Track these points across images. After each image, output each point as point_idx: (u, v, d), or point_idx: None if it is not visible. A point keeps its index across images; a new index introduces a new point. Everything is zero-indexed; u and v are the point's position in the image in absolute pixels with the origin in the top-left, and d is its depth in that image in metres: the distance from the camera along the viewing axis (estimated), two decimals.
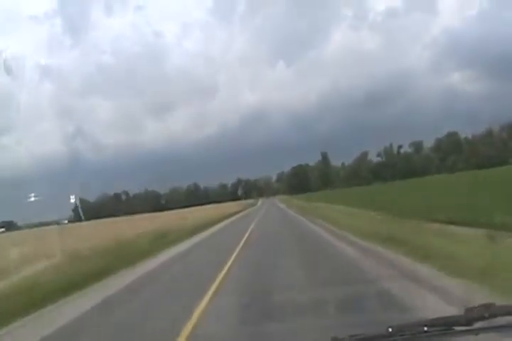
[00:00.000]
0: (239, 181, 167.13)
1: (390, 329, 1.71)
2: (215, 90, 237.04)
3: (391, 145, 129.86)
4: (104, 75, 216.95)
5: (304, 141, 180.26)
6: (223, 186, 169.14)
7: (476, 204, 14.73)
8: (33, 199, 17.97)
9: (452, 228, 11.93)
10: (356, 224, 16.40)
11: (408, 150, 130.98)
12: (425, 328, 1.70)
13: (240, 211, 62.65)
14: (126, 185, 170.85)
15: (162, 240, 20.97)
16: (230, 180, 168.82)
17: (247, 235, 20.10)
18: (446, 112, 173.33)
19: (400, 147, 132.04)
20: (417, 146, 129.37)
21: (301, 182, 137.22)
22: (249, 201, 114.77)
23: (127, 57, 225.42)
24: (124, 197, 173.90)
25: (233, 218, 46.90)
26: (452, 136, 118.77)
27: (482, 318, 1.69)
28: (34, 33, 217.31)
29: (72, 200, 25.93)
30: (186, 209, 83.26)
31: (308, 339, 1.93)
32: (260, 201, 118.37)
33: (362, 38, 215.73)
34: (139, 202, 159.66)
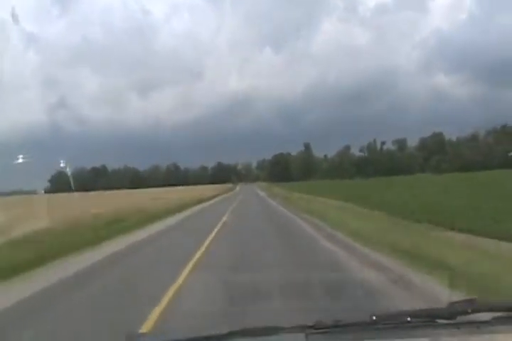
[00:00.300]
0: (219, 165, 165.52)
1: (374, 317, 1.71)
2: (202, 73, 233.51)
3: (375, 140, 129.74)
4: (91, 48, 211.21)
5: (287, 131, 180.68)
6: (203, 168, 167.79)
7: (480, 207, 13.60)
8: (20, 161, 17.02)
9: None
10: (356, 224, 13.34)
11: (391, 148, 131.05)
12: (408, 319, 1.71)
13: (215, 196, 56.73)
14: (105, 160, 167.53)
15: (118, 225, 17.88)
16: (210, 164, 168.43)
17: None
18: (431, 113, 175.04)
19: (383, 143, 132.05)
20: (401, 144, 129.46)
21: (282, 171, 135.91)
22: (228, 186, 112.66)
23: (115, 32, 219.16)
24: (102, 171, 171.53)
25: (205, 204, 39.79)
26: (437, 137, 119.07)
27: (465, 313, 1.71)
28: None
29: (63, 165, 24.28)
30: (162, 189, 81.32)
31: (291, 321, 1.71)
32: (238, 187, 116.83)
33: (352, 32, 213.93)
34: (116, 178, 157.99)
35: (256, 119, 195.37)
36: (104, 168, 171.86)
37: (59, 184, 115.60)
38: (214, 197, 55.31)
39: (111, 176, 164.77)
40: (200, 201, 41.68)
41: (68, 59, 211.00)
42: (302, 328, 1.70)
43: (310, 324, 1.71)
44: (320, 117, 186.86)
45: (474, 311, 1.71)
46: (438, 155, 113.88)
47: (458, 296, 3.66)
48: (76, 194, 53.14)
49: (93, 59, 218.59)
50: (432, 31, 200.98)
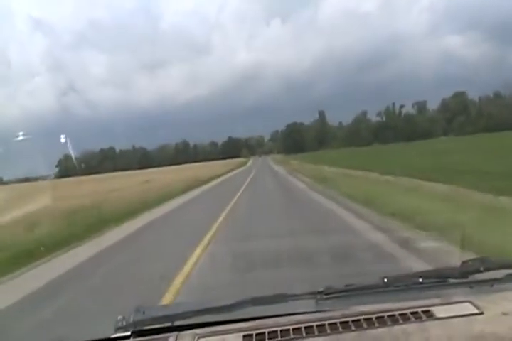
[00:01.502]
0: (229, 139, 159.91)
1: (385, 280, 1.71)
2: (208, 48, 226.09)
3: (394, 104, 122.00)
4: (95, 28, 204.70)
5: (299, 102, 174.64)
6: (214, 144, 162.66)
7: None
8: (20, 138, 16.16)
9: None
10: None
11: (411, 111, 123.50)
12: (420, 280, 1.70)
13: (219, 175, 45.27)
14: (114, 142, 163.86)
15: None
16: (221, 139, 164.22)
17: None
18: (447, 75, 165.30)
19: (401, 107, 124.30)
20: (421, 107, 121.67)
21: (296, 141, 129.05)
22: (238, 160, 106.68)
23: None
24: (110, 153, 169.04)
25: (209, 185, 32.23)
26: (459, 97, 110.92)
27: (477, 271, 1.71)
28: None
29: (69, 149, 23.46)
30: (164, 168, 76.96)
31: (301, 286, 1.84)
32: (251, 161, 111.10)
33: None
34: (125, 160, 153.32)
35: (266, 92, 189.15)
36: (112, 149, 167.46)
37: (67, 169, 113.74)
38: (219, 176, 43.38)
39: (118, 158, 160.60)
40: (190, 186, 29.50)
41: (73, 41, 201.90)
42: (312, 294, 1.68)
43: (320, 289, 1.69)
44: (332, 86, 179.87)
45: (486, 269, 1.70)
46: (461, 116, 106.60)
47: (469, 255, 3.00)
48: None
49: (98, 39, 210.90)
50: None
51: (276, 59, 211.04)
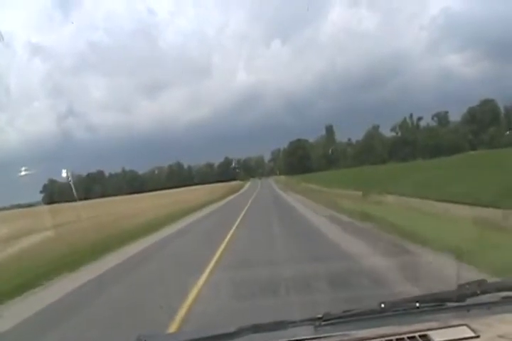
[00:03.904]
0: (226, 160, 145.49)
1: (383, 305, 1.72)
2: (208, 69, 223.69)
3: (411, 116, 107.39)
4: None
5: (301, 121, 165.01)
6: (209, 166, 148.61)
7: None
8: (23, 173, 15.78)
9: None
10: None
11: (430, 124, 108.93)
12: (417, 304, 1.72)
13: (210, 203, 35.26)
14: (103, 166, 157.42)
15: None
16: (217, 160, 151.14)
17: None
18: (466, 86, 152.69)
19: (419, 119, 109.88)
20: (442, 118, 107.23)
21: (301, 160, 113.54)
22: (233, 184, 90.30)
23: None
24: (98, 177, 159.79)
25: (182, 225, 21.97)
26: (487, 105, 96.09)
27: (474, 294, 1.72)
28: (23, 10, 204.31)
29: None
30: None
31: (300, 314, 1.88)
32: (248, 184, 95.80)
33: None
34: (114, 184, 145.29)
35: (266, 112, 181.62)
36: (100, 173, 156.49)
37: (52, 194, 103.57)
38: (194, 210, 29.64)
39: (107, 182, 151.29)
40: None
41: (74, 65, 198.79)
42: (311, 320, 1.69)
43: (319, 316, 1.70)
44: (335, 103, 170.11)
45: (483, 292, 1.71)
46: (492, 127, 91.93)
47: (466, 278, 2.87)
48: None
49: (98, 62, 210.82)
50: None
51: (277, 79, 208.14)
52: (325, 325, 1.65)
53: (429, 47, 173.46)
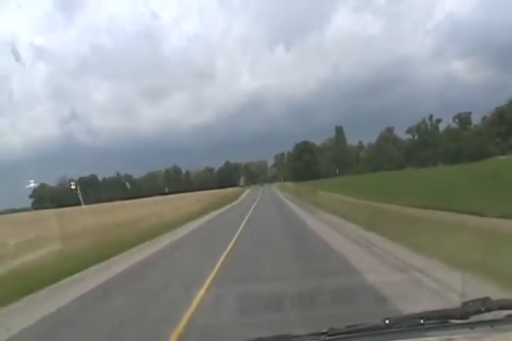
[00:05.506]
0: (227, 164, 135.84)
1: (387, 321, 1.73)
2: (211, 74, 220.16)
3: (431, 117, 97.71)
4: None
5: (305, 125, 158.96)
6: (209, 170, 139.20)
7: None
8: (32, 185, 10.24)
9: None
10: None
11: (452, 126, 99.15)
12: (421, 321, 1.72)
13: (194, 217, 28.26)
14: (98, 170, 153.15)
15: None
16: (217, 164, 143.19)
17: None
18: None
19: (438, 121, 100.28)
20: (464, 120, 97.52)
21: (308, 165, 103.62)
22: (229, 191, 79.68)
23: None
24: (91, 182, 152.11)
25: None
26: None
27: (478, 312, 1.71)
28: (26, 12, 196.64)
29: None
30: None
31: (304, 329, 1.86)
32: (248, 191, 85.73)
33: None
34: (107, 189, 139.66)
35: (270, 116, 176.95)
36: (93, 177, 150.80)
37: (40, 199, 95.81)
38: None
39: (101, 186, 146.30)
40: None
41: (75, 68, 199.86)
42: (316, 335, 1.69)
43: (323, 330, 1.71)
44: (340, 107, 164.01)
45: (487, 310, 1.70)
46: None
47: (470, 296, 2.63)
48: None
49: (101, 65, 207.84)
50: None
51: (280, 83, 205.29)
52: (329, 340, 1.66)
53: (434, 52, 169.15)
